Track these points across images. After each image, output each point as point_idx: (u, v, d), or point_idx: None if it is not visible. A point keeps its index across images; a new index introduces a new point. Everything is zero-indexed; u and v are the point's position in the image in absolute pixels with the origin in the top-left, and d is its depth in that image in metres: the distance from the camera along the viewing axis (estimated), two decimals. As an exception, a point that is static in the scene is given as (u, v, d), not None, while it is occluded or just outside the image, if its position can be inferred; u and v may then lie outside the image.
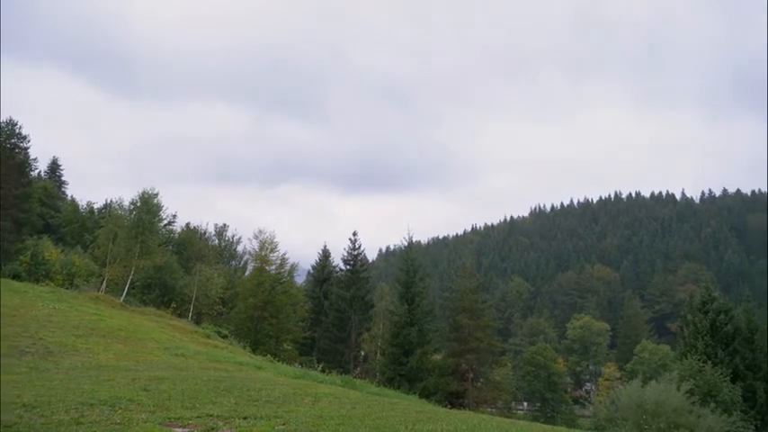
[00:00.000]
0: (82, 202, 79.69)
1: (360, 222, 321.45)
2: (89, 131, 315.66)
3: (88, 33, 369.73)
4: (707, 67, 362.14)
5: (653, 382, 27.94)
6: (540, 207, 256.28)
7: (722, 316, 43.84)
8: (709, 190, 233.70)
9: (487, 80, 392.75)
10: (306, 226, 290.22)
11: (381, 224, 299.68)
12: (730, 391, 33.36)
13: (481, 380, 49.75)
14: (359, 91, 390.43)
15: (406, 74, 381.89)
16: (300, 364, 38.12)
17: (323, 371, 27.40)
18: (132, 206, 43.89)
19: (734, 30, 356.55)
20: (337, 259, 63.83)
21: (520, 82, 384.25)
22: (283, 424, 8.99)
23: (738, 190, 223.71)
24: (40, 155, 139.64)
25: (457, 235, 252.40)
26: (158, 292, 50.19)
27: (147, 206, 43.55)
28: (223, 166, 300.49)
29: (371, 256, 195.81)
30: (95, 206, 78.40)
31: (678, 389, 26.03)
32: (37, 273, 42.94)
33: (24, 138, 61.89)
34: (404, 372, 43.59)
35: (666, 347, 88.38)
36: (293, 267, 58.49)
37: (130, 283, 43.97)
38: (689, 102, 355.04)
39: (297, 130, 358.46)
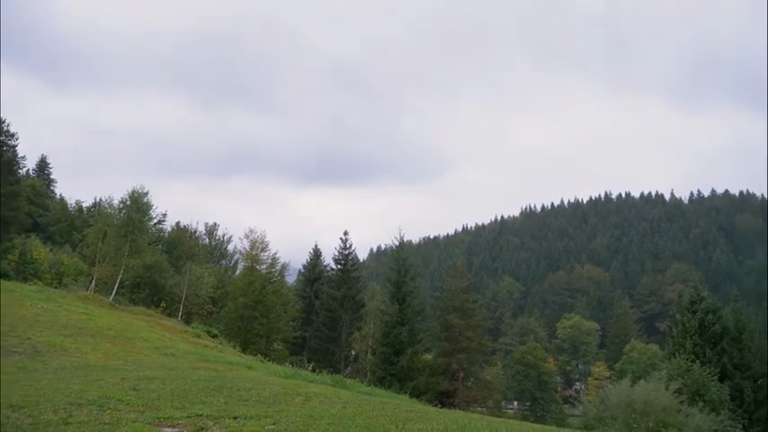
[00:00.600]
0: (71, 201, 79.21)
1: (324, 216, 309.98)
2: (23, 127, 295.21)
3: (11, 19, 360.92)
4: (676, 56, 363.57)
5: (642, 381, 28.09)
6: (530, 207, 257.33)
7: (710, 315, 44.18)
8: (698, 191, 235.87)
9: (452, 66, 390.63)
10: (263, 219, 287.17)
11: (346, 218, 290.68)
12: (718, 391, 33.61)
13: (471, 379, 49.92)
14: (313, 78, 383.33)
15: (363, 59, 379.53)
16: (291, 363, 38.02)
17: (313, 370, 27.32)
18: (122, 205, 43.61)
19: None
20: (328, 258, 63.85)
21: (485, 69, 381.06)
22: (273, 424, 8.97)
23: (727, 191, 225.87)
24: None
25: (448, 235, 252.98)
26: (148, 292, 49.90)
27: (137, 205, 43.28)
28: (168, 158, 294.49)
29: (362, 255, 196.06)
30: (84, 205, 77.99)
31: (667, 388, 26.18)
32: (25, 272, 42.60)
33: (12, 135, 61.30)
34: (394, 371, 43.64)
35: (655, 347, 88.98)
36: (284, 267, 58.48)
37: (120, 283, 43.69)
38: (658, 91, 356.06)
39: (246, 119, 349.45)
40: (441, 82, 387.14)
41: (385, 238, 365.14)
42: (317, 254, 66.21)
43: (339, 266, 59.93)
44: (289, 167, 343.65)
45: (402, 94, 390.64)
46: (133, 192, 43.52)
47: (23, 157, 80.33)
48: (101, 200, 66.28)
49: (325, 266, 64.84)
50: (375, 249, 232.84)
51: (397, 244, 53.58)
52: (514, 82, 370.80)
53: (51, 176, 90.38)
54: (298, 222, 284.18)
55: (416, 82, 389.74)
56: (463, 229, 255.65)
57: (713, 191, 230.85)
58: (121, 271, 42.90)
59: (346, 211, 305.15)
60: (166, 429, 8.53)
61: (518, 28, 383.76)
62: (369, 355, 52.74)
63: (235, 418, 9.36)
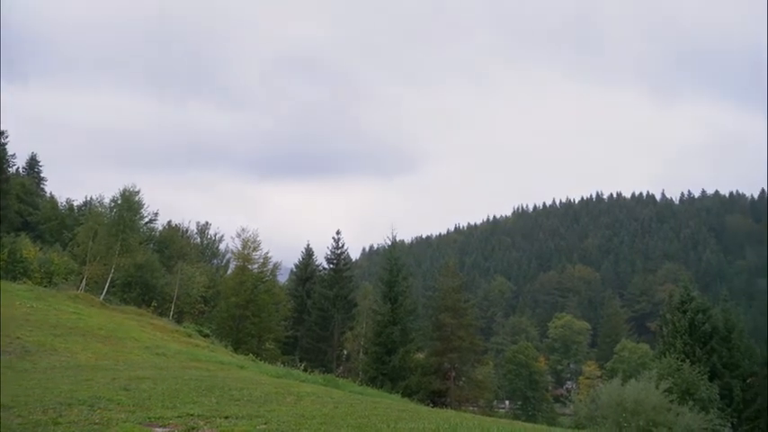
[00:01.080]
0: (61, 200, 78.69)
1: (291, 211, 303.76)
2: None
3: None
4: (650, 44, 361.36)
5: (632, 380, 28.24)
6: (522, 207, 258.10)
7: (700, 315, 44.52)
8: (689, 191, 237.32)
9: (414, 53, 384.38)
10: (222, 213, 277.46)
11: (315, 214, 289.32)
12: (708, 390, 33.89)
13: (463, 379, 49.96)
14: (272, 65, 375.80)
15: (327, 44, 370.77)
16: (283, 363, 37.99)
17: (305, 370, 27.31)
18: (113, 203, 43.36)
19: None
20: (320, 258, 63.78)
21: (457, 57, 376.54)
22: (265, 423, 8.96)
23: (717, 191, 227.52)
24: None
25: (440, 234, 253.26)
26: (139, 291, 49.67)
27: (128, 204, 43.04)
28: (124, 152, 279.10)
29: (355, 254, 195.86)
30: (75, 203, 77.46)
31: (657, 387, 26.34)
32: (14, 271, 42.24)
33: (1, 134, 60.85)
34: (386, 371, 43.65)
35: (646, 346, 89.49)
36: (276, 266, 58.34)
37: (111, 282, 43.44)
38: (638, 85, 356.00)
39: (203, 110, 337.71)
40: (412, 69, 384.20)
41: (363, 234, 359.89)
42: (309, 253, 66.14)
43: (331, 266, 59.88)
44: (251, 161, 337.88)
45: (372, 84, 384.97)
46: (124, 190, 43.30)
47: (13, 155, 79.93)
48: (91, 198, 65.97)
49: (318, 266, 64.78)
50: (367, 249, 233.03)
51: (390, 243, 53.61)
52: (489, 72, 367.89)
53: (41, 175, 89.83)
54: (261, 216, 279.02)
55: (385, 69, 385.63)
56: (455, 228, 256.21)
57: (703, 191, 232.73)
58: (112, 270, 42.66)
59: (311, 207, 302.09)
60: (157, 429, 8.49)
61: (492, 17, 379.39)
62: (361, 354, 52.75)
63: (226, 417, 9.34)
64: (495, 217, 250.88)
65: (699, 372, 35.09)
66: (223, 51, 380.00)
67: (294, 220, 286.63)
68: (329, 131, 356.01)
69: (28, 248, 47.57)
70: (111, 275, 42.81)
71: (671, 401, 26.29)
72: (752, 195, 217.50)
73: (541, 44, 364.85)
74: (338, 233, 60.21)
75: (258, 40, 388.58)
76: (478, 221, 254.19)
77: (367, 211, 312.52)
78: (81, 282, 42.48)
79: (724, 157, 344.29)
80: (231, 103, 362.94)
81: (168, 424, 8.77)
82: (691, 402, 28.58)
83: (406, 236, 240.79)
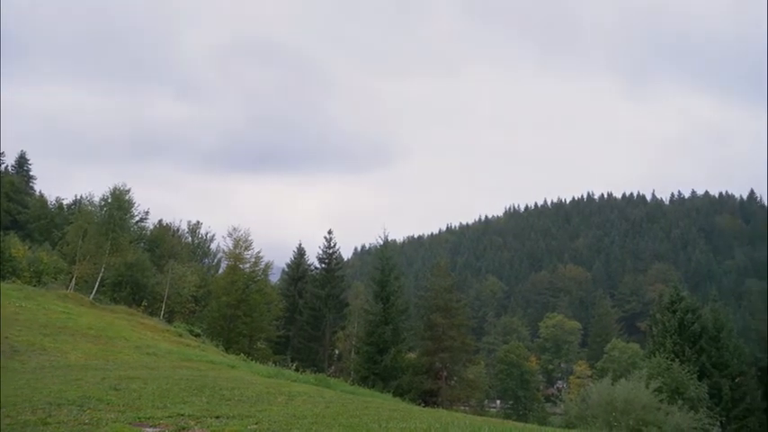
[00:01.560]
0: (51, 198, 78.12)
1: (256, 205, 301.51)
2: None
3: None
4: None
5: (623, 380, 28.40)
6: (514, 207, 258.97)
7: (690, 315, 44.85)
8: (679, 192, 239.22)
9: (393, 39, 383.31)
10: (183, 207, 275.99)
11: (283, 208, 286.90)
12: (697, 389, 34.13)
13: (455, 378, 50.08)
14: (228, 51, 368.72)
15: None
16: (274, 362, 37.94)
17: (297, 369, 27.24)
18: (103, 202, 43.08)
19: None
20: (312, 257, 63.67)
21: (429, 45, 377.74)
22: (256, 423, 8.93)
23: (707, 192, 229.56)
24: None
25: (432, 234, 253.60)
26: (129, 290, 49.38)
27: (119, 202, 42.78)
28: (75, 144, 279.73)
29: (347, 254, 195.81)
30: (65, 202, 76.95)
31: (647, 387, 26.51)
32: (3, 270, 41.88)
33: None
34: (378, 370, 43.67)
35: (636, 346, 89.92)
36: (268, 266, 58.12)
37: (101, 281, 43.17)
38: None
39: (158, 101, 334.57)
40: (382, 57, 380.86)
41: (347, 234, 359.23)
42: (300, 253, 66.02)
43: (323, 265, 59.79)
44: (211, 153, 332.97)
45: (339, 72, 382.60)
46: (114, 189, 43.03)
47: (2, 154, 79.31)
48: (81, 197, 65.54)
49: (309, 265, 64.66)
50: (359, 248, 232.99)
51: (382, 243, 53.64)
52: (460, 61, 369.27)
53: (31, 173, 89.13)
54: (222, 211, 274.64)
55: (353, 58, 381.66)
56: (447, 228, 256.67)
57: (693, 192, 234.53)
58: (102, 269, 42.40)
59: (279, 202, 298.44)
60: (147, 429, 8.45)
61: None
62: (352, 354, 52.72)
63: (217, 417, 9.30)
64: (486, 217, 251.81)
65: (688, 371, 35.35)
66: (177, 41, 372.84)
67: (262, 214, 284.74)
68: (296, 123, 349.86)
69: (17, 247, 47.20)
70: (101, 275, 42.54)
71: (660, 401, 26.47)
72: (741, 196, 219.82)
73: (514, 32, 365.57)
74: (330, 233, 60.23)
75: (211, 25, 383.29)
76: (470, 221, 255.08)
77: (340, 206, 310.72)
78: (70, 281, 42.20)
79: (707, 151, 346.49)
80: (187, 94, 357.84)
81: (158, 424, 8.72)
82: (680, 402, 28.79)
83: (399, 236, 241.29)
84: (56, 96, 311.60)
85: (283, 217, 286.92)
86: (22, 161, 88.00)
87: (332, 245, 59.79)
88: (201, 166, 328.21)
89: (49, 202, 75.83)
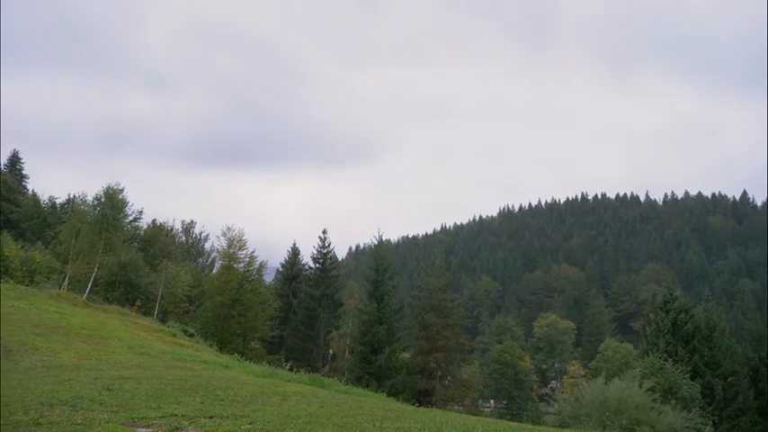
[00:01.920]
0: (43, 197, 77.70)
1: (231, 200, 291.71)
2: None
3: None
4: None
5: (616, 379, 28.53)
6: (508, 207, 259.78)
7: (683, 315, 45.07)
8: (672, 192, 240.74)
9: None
10: (150, 203, 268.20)
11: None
12: (690, 388, 34.28)
13: (449, 378, 50.11)
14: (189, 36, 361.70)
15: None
16: (268, 362, 37.84)
17: (291, 369, 27.23)
18: (96, 201, 42.89)
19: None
20: (307, 257, 63.59)
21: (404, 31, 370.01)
22: (250, 423, 8.91)
23: (700, 192, 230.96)
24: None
25: (426, 234, 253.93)
26: (123, 290, 49.18)
27: (112, 202, 42.60)
28: (40, 138, 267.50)
29: (341, 254, 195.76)
30: (58, 201, 76.53)
31: (640, 386, 26.65)
32: (-4, 269, 41.68)
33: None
34: (372, 370, 43.65)
35: (629, 346, 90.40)
36: (262, 265, 57.96)
37: (94, 281, 42.99)
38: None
39: (124, 93, 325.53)
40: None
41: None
42: (295, 252, 65.90)
43: (317, 265, 59.70)
44: (178, 147, 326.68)
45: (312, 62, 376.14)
46: (108, 188, 42.86)
47: (-6, 153, 78.72)
48: (74, 196, 65.22)
49: (304, 265, 64.57)
50: (354, 248, 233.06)
51: (376, 243, 53.64)
52: (436, 52, 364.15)
53: (23, 172, 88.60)
54: (192, 205, 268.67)
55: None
56: (442, 228, 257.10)
57: (686, 192, 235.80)
58: (96, 269, 42.22)
59: (253, 196, 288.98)
60: (140, 429, 8.42)
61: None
62: (347, 353, 52.67)
63: (211, 417, 9.28)
64: (481, 217, 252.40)
65: (681, 371, 35.50)
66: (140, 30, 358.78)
67: (239, 210, 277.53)
68: (269, 115, 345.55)
69: (9, 246, 46.91)
70: (94, 274, 42.37)
71: (654, 400, 26.60)
72: (734, 197, 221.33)
73: (497, 24, 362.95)
74: (324, 232, 60.11)
75: (174, 12, 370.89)
76: (465, 221, 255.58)
77: (321, 202, 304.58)
78: (63, 280, 42.00)
79: (695, 146, 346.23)
80: (152, 85, 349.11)
81: (152, 424, 8.69)
82: (673, 401, 28.95)
83: (393, 235, 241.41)
84: (15, 88, 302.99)
85: (260, 212, 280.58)
86: (14, 160, 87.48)
87: (326, 244, 59.75)
88: (171, 160, 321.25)
89: (41, 202, 75.40)
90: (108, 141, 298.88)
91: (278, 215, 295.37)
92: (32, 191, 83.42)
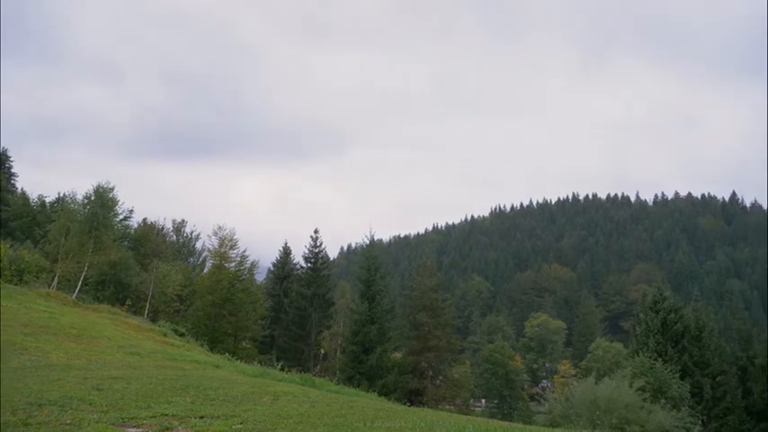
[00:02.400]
0: (33, 195, 77.10)
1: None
2: None
3: None
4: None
5: (606, 379, 28.68)
6: (500, 207, 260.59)
7: (672, 315, 45.38)
8: (662, 193, 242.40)
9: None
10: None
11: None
12: (679, 388, 34.53)
13: (440, 377, 50.18)
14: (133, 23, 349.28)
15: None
16: (259, 362, 37.71)
17: (282, 369, 27.15)
18: (86, 200, 42.60)
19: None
20: (298, 257, 63.54)
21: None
22: (241, 423, 8.88)
23: (689, 193, 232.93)
24: None
25: (418, 234, 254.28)
26: (113, 289, 48.90)
27: (102, 200, 42.33)
28: None
29: (333, 253, 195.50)
30: (47, 200, 75.95)
31: (630, 386, 26.80)
32: (-16, 268, 41.27)
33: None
34: (363, 370, 43.65)
35: (620, 345, 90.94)
36: (253, 265, 57.85)
37: (84, 280, 42.71)
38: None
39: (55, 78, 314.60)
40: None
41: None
42: (286, 252, 65.82)
43: (309, 265, 59.66)
44: (131, 137, 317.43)
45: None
46: (98, 187, 42.59)
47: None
48: (64, 195, 64.76)
49: (295, 264, 64.50)
50: (346, 248, 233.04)
51: (368, 242, 53.67)
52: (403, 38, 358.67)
53: (12, 170, 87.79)
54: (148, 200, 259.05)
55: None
56: (434, 228, 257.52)
57: (677, 193, 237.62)
58: (85, 268, 41.95)
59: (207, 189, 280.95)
60: (130, 429, 8.37)
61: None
62: (338, 353, 52.63)
63: (201, 417, 9.24)
64: (472, 217, 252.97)
65: (671, 370, 35.76)
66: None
67: (195, 205, 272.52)
68: (223, 102, 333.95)
69: (-2, 245, 46.50)
70: (84, 273, 42.10)
71: (644, 400, 26.75)
72: (723, 198, 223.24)
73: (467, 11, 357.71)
74: (316, 232, 60.16)
75: None
76: (456, 221, 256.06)
77: (284, 195, 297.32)
78: (53, 280, 41.67)
79: (676, 138, 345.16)
80: (94, 72, 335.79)
81: (142, 424, 8.65)
82: (663, 400, 29.14)
83: (385, 235, 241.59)
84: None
85: (221, 205, 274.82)
86: (2, 158, 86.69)
87: (318, 244, 59.74)
88: (117, 150, 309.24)
89: (31, 200, 74.81)
90: (47, 131, 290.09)
91: (241, 209, 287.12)
92: (21, 189, 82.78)
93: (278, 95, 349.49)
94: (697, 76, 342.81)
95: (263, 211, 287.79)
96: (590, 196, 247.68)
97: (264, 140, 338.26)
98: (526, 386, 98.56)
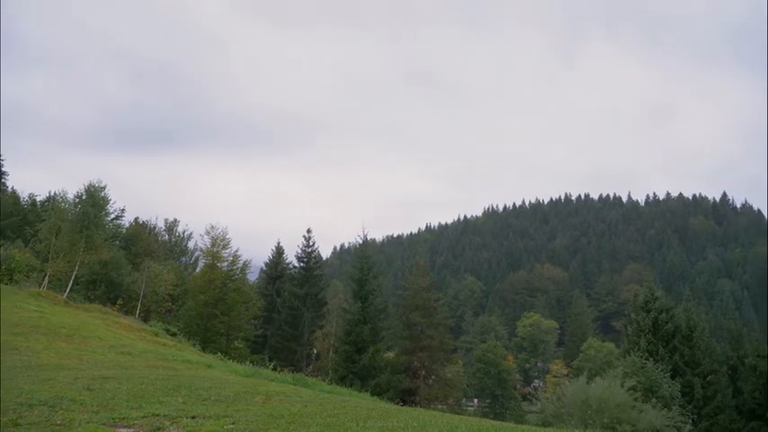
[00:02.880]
0: (23, 194, 76.64)
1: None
2: None
3: None
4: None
5: (598, 378, 28.81)
6: (493, 207, 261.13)
7: (663, 315, 45.63)
8: (654, 193, 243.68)
9: None
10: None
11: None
12: (670, 387, 34.74)
13: (433, 377, 50.21)
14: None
15: None
16: (252, 362, 37.58)
17: (274, 369, 27.07)
18: (77, 199, 42.36)
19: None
20: (291, 256, 63.44)
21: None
22: (233, 423, 8.86)
23: (681, 194, 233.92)
24: None
25: (411, 234, 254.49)
26: (104, 289, 48.65)
27: (93, 199, 42.09)
28: None
29: (326, 253, 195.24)
30: (38, 198, 75.52)
31: (622, 385, 26.92)
32: (-27, 268, 40.97)
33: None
34: (356, 369, 43.63)
35: (611, 345, 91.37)
36: (246, 264, 57.71)
37: (75, 279, 42.46)
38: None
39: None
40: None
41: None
42: (279, 251, 65.71)
43: (302, 264, 59.59)
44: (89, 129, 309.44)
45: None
46: (89, 186, 42.35)
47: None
48: (55, 194, 64.38)
49: (288, 264, 64.39)
50: (339, 247, 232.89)
51: (361, 242, 53.61)
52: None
53: (2, 169, 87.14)
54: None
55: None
56: (426, 227, 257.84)
57: (668, 194, 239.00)
58: (76, 267, 41.70)
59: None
60: (121, 430, 8.33)
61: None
62: (331, 353, 52.56)
63: (193, 417, 9.21)
64: (465, 217, 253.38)
65: (662, 370, 35.98)
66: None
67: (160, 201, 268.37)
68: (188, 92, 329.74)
69: (-13, 244, 46.15)
70: (75, 273, 41.86)
71: (635, 399, 26.89)
72: (714, 198, 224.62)
73: None
74: (309, 231, 60.06)
75: None
76: (449, 221, 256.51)
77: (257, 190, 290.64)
78: (43, 279, 41.41)
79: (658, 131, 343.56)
80: (44, 62, 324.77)
81: (133, 424, 8.61)
82: (654, 400, 29.31)
83: (378, 235, 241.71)
84: None
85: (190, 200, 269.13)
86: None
87: (311, 243, 59.69)
88: (69, 142, 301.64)
89: (21, 199, 74.34)
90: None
91: (205, 204, 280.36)
92: (12, 188, 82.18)
93: (244, 84, 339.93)
94: (676, 66, 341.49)
95: (232, 207, 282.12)
96: (582, 197, 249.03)
97: (231, 132, 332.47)
98: (518, 386, 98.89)
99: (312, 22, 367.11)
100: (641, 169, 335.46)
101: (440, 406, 48.58)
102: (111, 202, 45.55)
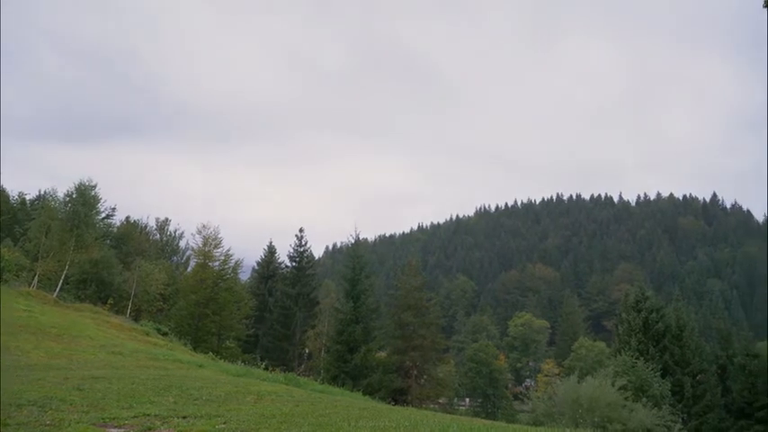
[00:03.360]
0: (13, 193, 75.97)
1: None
2: None
3: None
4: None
5: (589, 378, 28.94)
6: (485, 207, 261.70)
7: (654, 314, 45.94)
8: (644, 194, 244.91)
9: None
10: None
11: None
12: (660, 386, 34.97)
13: (425, 377, 50.26)
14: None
15: None
16: (243, 361, 37.46)
17: (266, 369, 27.01)
18: (67, 198, 42.08)
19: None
20: (283, 256, 63.29)
21: None
22: (224, 423, 8.83)
23: (671, 194, 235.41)
24: None
25: (403, 233, 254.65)
26: (95, 288, 48.37)
27: (84, 198, 41.84)
28: None
29: (318, 252, 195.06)
30: (28, 197, 74.96)
31: (613, 384, 27.07)
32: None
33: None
34: (348, 369, 43.61)
35: (602, 344, 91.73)
36: (237, 264, 57.56)
37: (65, 279, 42.19)
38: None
39: None
40: None
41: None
42: (271, 251, 65.56)
43: (294, 264, 59.47)
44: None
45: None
46: (80, 185, 42.09)
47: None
48: (45, 192, 63.92)
49: (280, 263, 64.26)
50: (331, 247, 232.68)
51: (353, 241, 53.57)
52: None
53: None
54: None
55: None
56: (419, 227, 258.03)
57: (659, 194, 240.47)
58: (67, 266, 41.43)
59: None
60: (112, 430, 8.28)
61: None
62: (322, 352, 52.51)
63: (184, 417, 9.17)
64: (458, 216, 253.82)
65: (652, 369, 36.19)
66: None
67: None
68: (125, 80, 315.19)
69: (-24, 243, 45.80)
70: (65, 272, 41.59)
71: (625, 398, 27.04)
72: (704, 199, 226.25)
73: None
74: (301, 231, 59.96)
75: None
76: (442, 221, 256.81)
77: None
78: (33, 278, 41.12)
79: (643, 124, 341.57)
80: None
81: (124, 424, 8.56)
82: (644, 399, 29.50)
83: (370, 234, 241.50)
84: None
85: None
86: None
87: (303, 243, 59.57)
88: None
89: (11, 197, 73.72)
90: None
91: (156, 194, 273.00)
92: (1, 187, 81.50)
93: (200, 72, 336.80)
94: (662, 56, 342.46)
95: (185, 198, 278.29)
96: (573, 197, 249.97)
97: (189, 122, 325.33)
98: (510, 385, 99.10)
99: (282, 11, 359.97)
100: (628, 165, 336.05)
101: (431, 405, 48.68)
102: (102, 201, 45.36)
